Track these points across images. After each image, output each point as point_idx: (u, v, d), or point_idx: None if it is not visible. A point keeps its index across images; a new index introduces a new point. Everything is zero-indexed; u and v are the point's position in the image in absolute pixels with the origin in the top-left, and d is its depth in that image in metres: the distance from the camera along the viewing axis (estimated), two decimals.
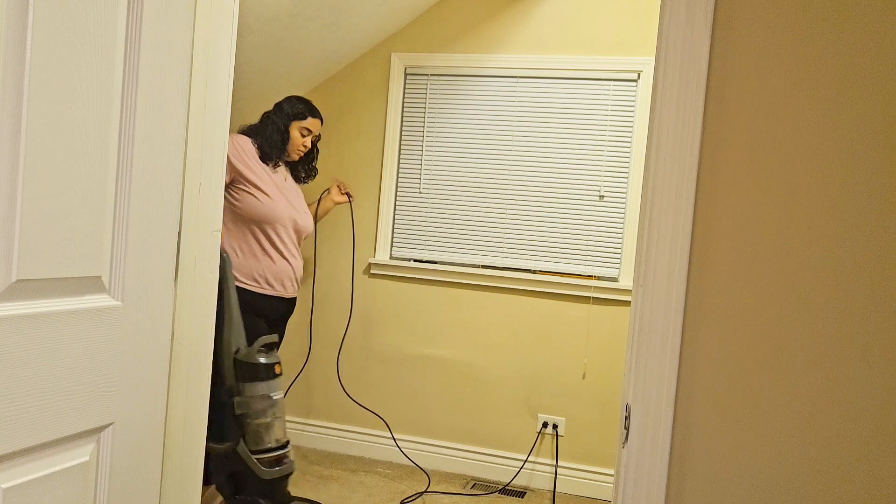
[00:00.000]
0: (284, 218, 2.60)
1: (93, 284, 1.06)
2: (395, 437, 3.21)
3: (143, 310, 1.17)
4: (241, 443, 2.16)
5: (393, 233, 3.30)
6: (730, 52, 1.02)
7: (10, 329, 0.92)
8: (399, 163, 3.27)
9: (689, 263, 1.04)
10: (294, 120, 2.67)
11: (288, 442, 2.27)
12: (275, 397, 2.21)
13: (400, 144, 3.27)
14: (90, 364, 1.06)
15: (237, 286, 2.47)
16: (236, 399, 2.18)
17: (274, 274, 2.59)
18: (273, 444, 2.20)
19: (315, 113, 2.73)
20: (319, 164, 3.32)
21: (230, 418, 2.18)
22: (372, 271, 3.28)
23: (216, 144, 1.36)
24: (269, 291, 2.59)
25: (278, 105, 2.71)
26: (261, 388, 2.19)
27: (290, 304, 2.71)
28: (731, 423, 1.04)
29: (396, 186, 3.28)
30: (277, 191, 2.63)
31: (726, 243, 1.03)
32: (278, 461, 2.20)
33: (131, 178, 1.10)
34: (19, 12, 0.90)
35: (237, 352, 2.21)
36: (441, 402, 3.20)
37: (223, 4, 1.34)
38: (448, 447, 3.18)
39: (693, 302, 1.04)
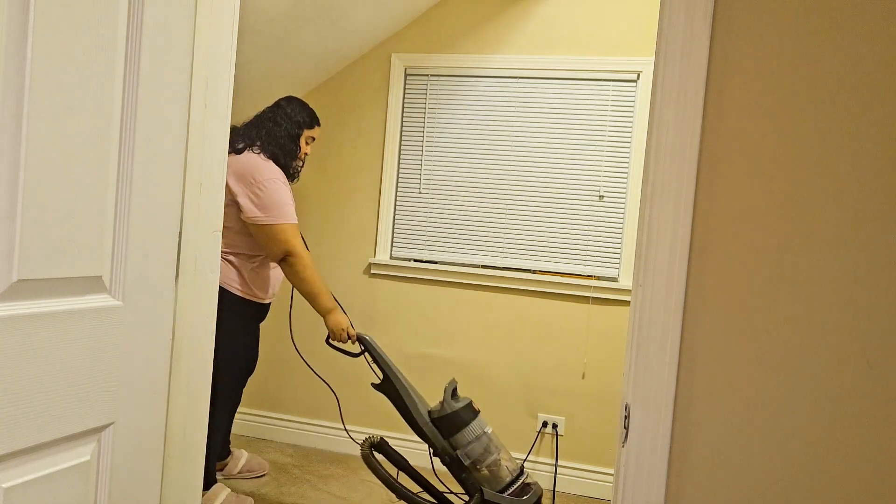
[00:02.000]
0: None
1: (94, 284, 1.07)
2: (395, 436, 3.21)
3: (144, 310, 1.17)
4: (486, 490, 2.14)
5: (393, 233, 3.30)
6: (730, 52, 1.02)
7: (11, 329, 0.92)
8: (399, 163, 3.27)
9: (689, 263, 1.04)
10: (305, 128, 2.64)
11: (523, 468, 2.27)
12: (488, 431, 2.22)
13: (400, 144, 3.27)
14: (91, 364, 1.06)
15: (256, 302, 2.56)
16: (458, 453, 2.16)
17: (275, 282, 2.67)
18: (512, 477, 2.19)
19: (318, 120, 2.71)
20: (318, 163, 3.34)
21: (462, 475, 2.18)
22: (372, 271, 3.29)
23: (217, 144, 1.36)
24: (270, 300, 2.68)
25: (280, 107, 2.64)
26: (472, 431, 2.18)
27: (269, 306, 2.75)
28: (731, 423, 1.04)
29: (396, 186, 3.28)
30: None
31: (726, 243, 1.03)
32: (524, 489, 2.18)
33: (132, 177, 1.10)
34: (20, 13, 0.90)
35: (430, 414, 2.23)
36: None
37: (224, 5, 1.34)
38: None
39: (693, 302, 1.04)
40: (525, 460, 3.08)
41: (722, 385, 1.04)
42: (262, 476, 2.95)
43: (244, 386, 2.74)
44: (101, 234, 1.07)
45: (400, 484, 2.22)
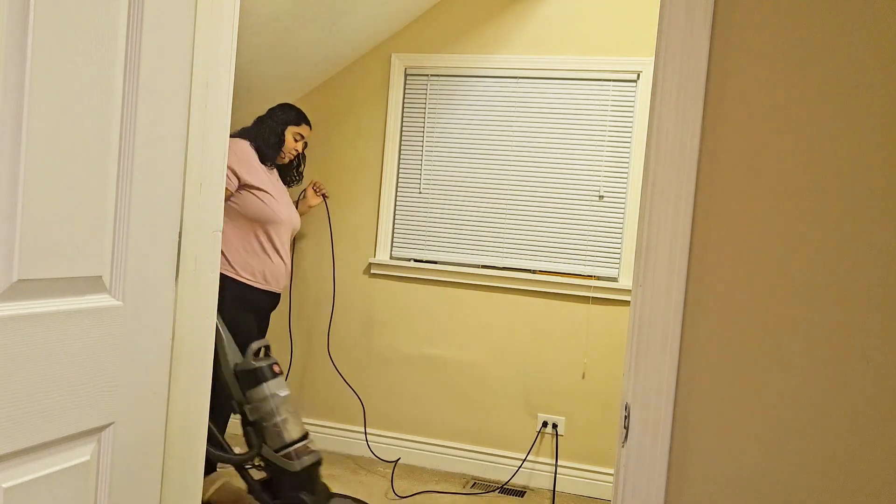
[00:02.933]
0: (284, 218, 2.74)
1: (94, 284, 1.07)
2: (396, 436, 3.22)
3: (144, 310, 1.17)
4: (265, 446, 2.25)
5: (393, 233, 3.30)
6: (730, 52, 1.02)
7: (11, 329, 0.92)
8: (399, 163, 3.27)
9: (689, 263, 1.04)
10: (289, 125, 2.82)
11: (307, 433, 2.35)
12: (282, 394, 2.30)
13: (400, 144, 3.27)
14: (91, 364, 1.06)
15: (238, 280, 2.64)
16: (247, 407, 2.27)
17: (271, 271, 2.73)
18: (294, 439, 2.28)
19: (307, 120, 2.88)
20: (318, 163, 3.33)
21: (247, 428, 2.29)
22: (372, 271, 3.29)
23: (217, 144, 1.36)
24: (263, 286, 2.73)
25: (272, 110, 2.86)
26: (265, 389, 2.27)
27: (276, 298, 2.84)
28: (731, 423, 1.04)
29: (396, 186, 3.28)
30: (278, 191, 2.76)
31: (726, 243, 1.03)
32: (303, 452, 2.29)
33: (132, 177, 1.10)
34: (20, 13, 0.90)
35: (236, 365, 2.31)
36: (441, 402, 3.21)
37: (224, 5, 1.34)
38: (448, 446, 3.19)
39: (693, 302, 1.04)
40: (524, 460, 3.09)
41: (722, 385, 1.04)
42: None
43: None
44: (101, 234, 1.07)
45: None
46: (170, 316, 1.25)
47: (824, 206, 1.00)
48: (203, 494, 2.56)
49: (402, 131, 3.27)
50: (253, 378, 2.28)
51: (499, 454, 3.13)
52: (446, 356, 3.19)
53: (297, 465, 2.25)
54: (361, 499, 2.56)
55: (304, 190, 3.14)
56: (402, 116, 3.26)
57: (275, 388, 2.29)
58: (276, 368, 2.34)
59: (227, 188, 2.57)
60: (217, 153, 1.37)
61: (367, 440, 3.25)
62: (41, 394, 0.98)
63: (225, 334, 2.35)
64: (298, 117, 2.85)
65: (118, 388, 1.13)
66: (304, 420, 3.37)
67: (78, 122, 1.00)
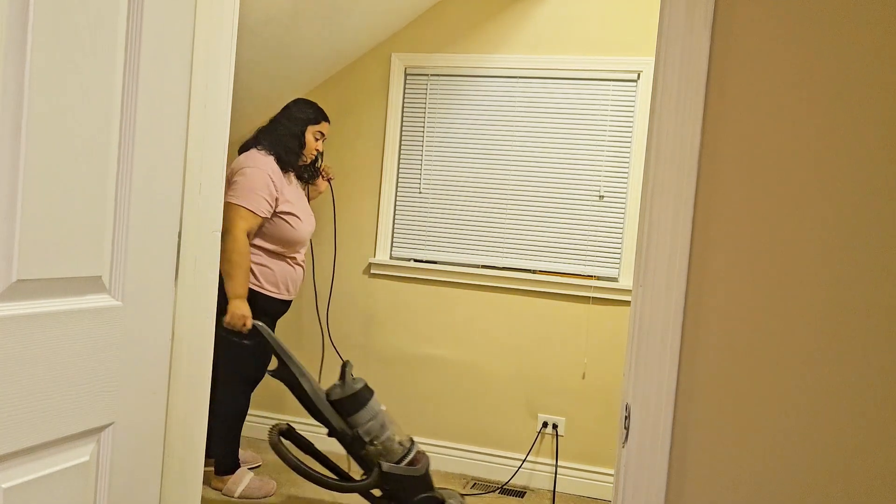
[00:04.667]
0: (307, 234, 2.77)
1: (93, 284, 1.06)
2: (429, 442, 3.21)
3: (144, 310, 1.17)
4: (383, 463, 2.24)
5: (393, 233, 3.30)
6: (730, 52, 1.02)
7: (11, 329, 0.92)
8: (399, 163, 3.27)
9: (689, 263, 1.04)
10: (308, 124, 2.76)
11: (412, 440, 2.37)
12: (383, 409, 2.34)
13: (400, 144, 3.27)
14: (90, 364, 1.06)
15: (264, 293, 2.67)
16: (358, 431, 2.26)
17: (293, 280, 2.78)
18: (405, 449, 2.30)
19: (326, 116, 2.83)
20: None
21: (360, 452, 2.27)
22: (372, 271, 3.28)
23: (216, 145, 1.36)
24: (285, 296, 2.77)
25: (287, 109, 2.79)
26: (370, 409, 2.29)
27: (289, 304, 2.86)
28: (731, 423, 1.04)
29: (396, 186, 3.28)
30: (302, 207, 2.74)
31: (726, 243, 1.03)
32: (417, 458, 2.31)
33: (132, 178, 1.10)
34: (20, 13, 0.90)
35: (328, 396, 2.31)
36: (441, 402, 3.20)
37: (223, 5, 1.34)
38: (448, 447, 3.19)
39: (693, 302, 1.04)
40: (524, 460, 3.08)
41: (722, 385, 1.04)
42: (256, 467, 3.03)
43: (254, 377, 2.79)
44: (101, 234, 1.07)
45: (306, 466, 2.30)
46: (169, 316, 1.25)
47: (825, 206, 1.00)
48: (232, 494, 2.65)
49: (402, 131, 3.27)
50: (357, 402, 2.28)
51: (499, 454, 3.13)
52: (446, 356, 3.19)
53: (422, 469, 2.28)
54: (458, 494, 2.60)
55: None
56: (402, 116, 3.26)
57: (377, 406, 2.32)
58: (368, 387, 2.36)
59: (258, 213, 2.56)
60: (217, 153, 1.37)
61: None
62: (40, 394, 0.98)
63: (303, 371, 2.35)
64: (318, 115, 2.77)
65: (118, 388, 1.12)
66: (300, 421, 3.37)
67: (77, 122, 1.00)
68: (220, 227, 1.40)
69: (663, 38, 1.05)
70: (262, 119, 3.01)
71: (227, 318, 2.52)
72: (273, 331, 2.80)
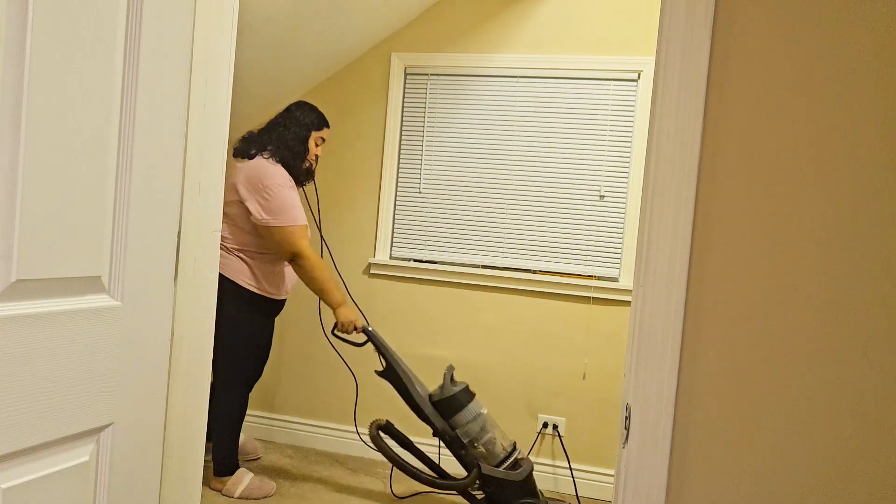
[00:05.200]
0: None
1: (92, 284, 1.06)
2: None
3: (143, 310, 1.17)
4: (483, 465, 2.33)
5: (393, 233, 3.29)
6: (730, 52, 1.02)
7: (10, 329, 0.92)
8: (399, 163, 3.27)
9: (689, 263, 1.04)
10: (312, 130, 2.75)
11: (515, 444, 2.44)
12: (484, 412, 2.41)
13: (400, 144, 3.26)
14: (90, 364, 1.06)
15: (269, 297, 2.72)
16: (458, 431, 2.36)
17: (290, 280, 2.82)
18: (506, 453, 2.37)
19: (327, 122, 2.83)
20: (319, 162, 3.32)
21: (460, 452, 2.37)
22: (372, 271, 3.28)
23: (216, 144, 1.36)
24: (283, 297, 2.82)
25: (290, 112, 2.76)
26: (469, 412, 2.37)
27: (284, 301, 2.90)
28: (732, 424, 1.03)
29: (396, 186, 3.28)
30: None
31: (726, 243, 1.03)
32: (517, 464, 2.36)
33: (131, 177, 1.10)
34: (19, 12, 0.90)
35: (431, 397, 2.42)
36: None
37: (223, 4, 1.34)
38: None
39: (693, 302, 1.04)
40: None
41: (723, 385, 1.04)
42: (256, 459, 3.09)
43: (252, 376, 2.83)
44: (100, 235, 1.06)
45: (405, 461, 2.39)
46: (169, 316, 1.25)
47: (825, 206, 0.99)
48: (232, 494, 2.68)
49: (402, 131, 3.26)
50: (455, 404, 2.37)
51: None
52: (446, 356, 3.19)
53: (522, 475, 2.32)
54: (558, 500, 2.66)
55: None
56: (402, 116, 3.26)
57: (477, 408, 2.39)
58: (471, 390, 2.44)
59: (305, 223, 2.61)
60: (216, 152, 1.36)
61: (363, 440, 3.24)
62: (40, 394, 0.98)
63: (408, 372, 2.46)
64: (321, 121, 2.77)
65: (117, 388, 1.12)
66: (299, 420, 3.37)
67: (77, 122, 0.99)
68: (219, 227, 1.39)
69: (663, 38, 1.05)
70: (262, 119, 3.01)
71: (340, 326, 2.65)
72: (272, 330, 2.82)
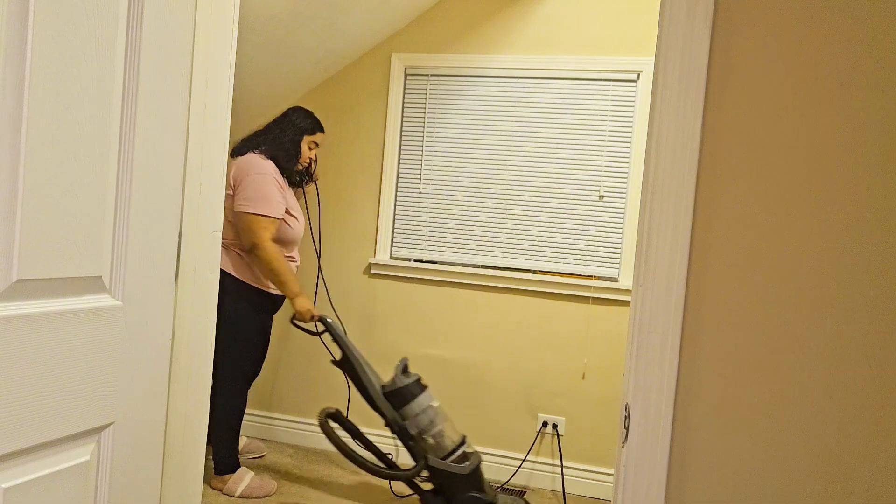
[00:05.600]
0: (302, 233, 2.83)
1: (93, 284, 1.06)
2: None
3: (144, 310, 1.17)
4: (430, 457, 2.35)
5: (393, 233, 3.30)
6: (730, 52, 1.02)
7: (11, 329, 0.92)
8: (399, 163, 3.27)
9: (689, 263, 1.04)
10: (305, 134, 2.83)
11: (465, 437, 2.46)
12: (434, 405, 2.43)
13: (400, 144, 3.27)
14: (91, 364, 1.06)
15: (267, 292, 2.76)
16: (406, 423, 2.38)
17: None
18: (454, 445, 2.39)
19: (321, 127, 2.89)
20: (319, 162, 3.33)
21: (409, 443, 2.39)
22: (372, 271, 3.28)
23: (217, 145, 1.36)
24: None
25: (286, 116, 2.84)
26: (419, 404, 2.40)
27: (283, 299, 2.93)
28: (731, 423, 1.04)
29: (396, 186, 3.28)
30: (296, 208, 2.80)
31: (726, 243, 1.03)
32: (466, 456, 2.39)
33: (132, 177, 1.10)
34: (20, 13, 0.90)
35: (383, 388, 2.44)
36: (441, 402, 3.20)
37: (223, 5, 1.34)
38: None
39: (693, 302, 1.04)
40: (524, 460, 3.08)
41: (722, 385, 1.04)
42: (260, 457, 3.11)
43: (252, 373, 2.84)
44: (101, 234, 1.07)
45: (351, 450, 2.39)
46: (170, 316, 1.25)
47: (825, 206, 1.00)
48: (233, 493, 2.69)
49: (402, 131, 3.27)
50: (405, 396, 2.40)
51: (499, 454, 3.13)
52: (446, 356, 3.19)
53: (468, 468, 2.35)
54: (518, 494, 2.66)
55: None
56: (402, 116, 3.26)
57: (426, 401, 2.41)
58: (423, 382, 2.46)
59: (276, 216, 2.63)
60: (217, 153, 1.37)
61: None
62: (40, 394, 0.98)
63: (363, 362, 2.49)
64: (314, 126, 2.85)
65: (118, 388, 1.12)
66: (298, 419, 3.37)
67: (77, 122, 1.00)
68: (220, 227, 1.40)
69: (663, 38, 1.05)
70: (262, 119, 3.02)
71: (297, 316, 2.68)
72: (270, 326, 2.83)
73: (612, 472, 2.98)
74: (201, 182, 1.31)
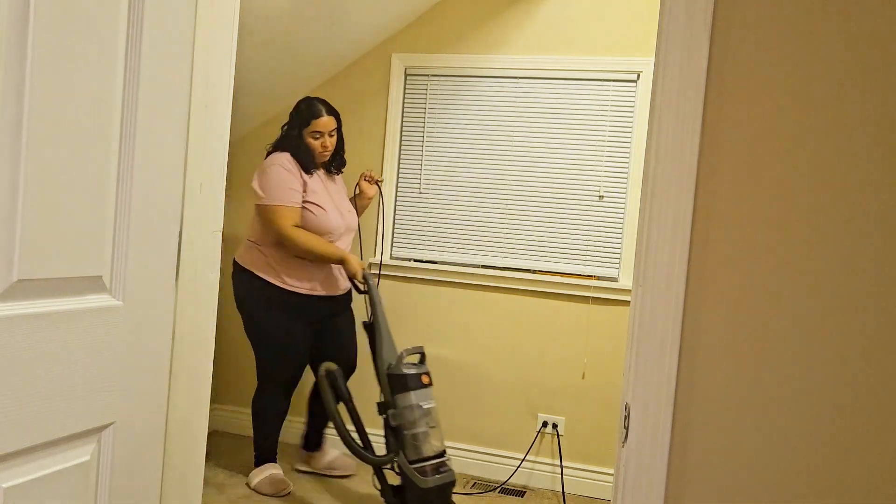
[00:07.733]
0: (335, 226, 2.74)
1: (94, 284, 1.07)
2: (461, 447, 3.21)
3: (144, 309, 1.17)
4: (401, 454, 2.24)
5: (393, 233, 3.30)
6: (730, 52, 1.02)
7: (12, 329, 0.92)
8: (399, 163, 3.27)
9: (689, 263, 1.04)
10: (302, 127, 2.73)
11: (445, 451, 2.34)
12: (426, 406, 2.31)
13: (400, 144, 3.27)
14: (91, 364, 1.06)
15: (292, 291, 2.68)
16: (391, 412, 2.29)
17: (326, 276, 2.76)
18: (431, 454, 2.27)
19: (319, 113, 2.73)
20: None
21: (387, 432, 2.30)
22: (372, 271, 3.28)
23: (217, 144, 1.36)
24: (315, 292, 2.74)
25: (291, 112, 2.80)
26: (412, 398, 2.28)
27: (339, 301, 2.86)
28: (731, 423, 1.04)
29: (396, 186, 3.28)
30: (329, 200, 2.74)
31: (726, 243, 1.03)
32: (436, 469, 2.26)
33: (132, 177, 1.10)
34: (20, 13, 0.90)
35: (389, 367, 2.34)
36: (441, 401, 3.18)
37: (224, 5, 1.34)
38: (448, 446, 3.15)
39: (693, 302, 1.04)
40: (523, 459, 3.08)
41: (722, 385, 1.04)
42: (347, 476, 2.98)
43: (282, 379, 2.81)
44: (102, 235, 1.07)
45: (339, 418, 2.35)
46: (170, 316, 1.25)
47: (824, 205, 1.00)
48: (249, 483, 2.73)
49: (402, 131, 3.27)
50: (401, 383, 2.30)
51: (498, 454, 3.13)
52: (446, 356, 3.19)
53: (429, 483, 2.23)
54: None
55: (357, 185, 3.02)
56: (402, 116, 3.26)
57: (419, 399, 2.30)
58: (425, 379, 2.35)
59: (292, 204, 2.62)
60: (217, 153, 1.37)
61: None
62: (41, 394, 0.98)
63: (384, 332, 2.41)
64: (310, 114, 2.71)
65: (118, 388, 1.13)
66: (298, 420, 3.37)
67: (78, 122, 1.00)
68: (220, 227, 1.40)
69: (663, 39, 1.05)
70: (262, 120, 3.02)
71: (349, 273, 2.64)
72: (304, 331, 2.75)
73: (611, 471, 2.97)
74: (202, 182, 1.31)
